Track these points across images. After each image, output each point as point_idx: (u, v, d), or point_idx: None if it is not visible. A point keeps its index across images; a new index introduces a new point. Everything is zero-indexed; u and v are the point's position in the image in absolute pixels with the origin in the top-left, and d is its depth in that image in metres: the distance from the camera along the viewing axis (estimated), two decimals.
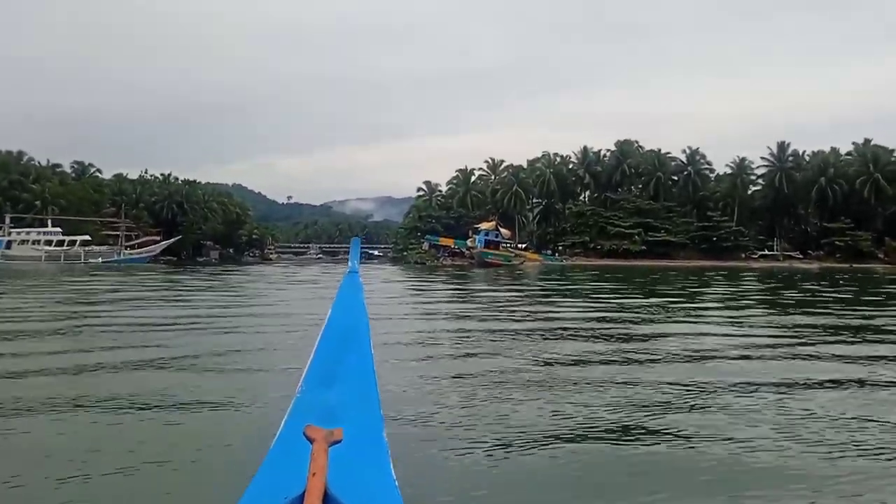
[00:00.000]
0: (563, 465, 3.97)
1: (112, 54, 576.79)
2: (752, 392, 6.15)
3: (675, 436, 4.60)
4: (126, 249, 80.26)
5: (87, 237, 78.25)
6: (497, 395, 5.90)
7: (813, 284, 33.31)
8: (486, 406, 5.47)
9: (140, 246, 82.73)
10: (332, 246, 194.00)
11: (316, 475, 1.42)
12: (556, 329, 11.84)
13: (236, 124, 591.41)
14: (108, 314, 14.13)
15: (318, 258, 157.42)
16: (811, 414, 5.31)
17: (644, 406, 5.49)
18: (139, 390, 5.92)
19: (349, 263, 3.08)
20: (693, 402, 5.68)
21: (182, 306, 16.17)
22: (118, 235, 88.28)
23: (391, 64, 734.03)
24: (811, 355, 8.66)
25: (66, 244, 75.44)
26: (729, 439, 4.52)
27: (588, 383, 6.49)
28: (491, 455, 4.09)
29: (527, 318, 14.48)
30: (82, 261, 70.56)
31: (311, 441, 1.52)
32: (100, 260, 70.59)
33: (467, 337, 10.68)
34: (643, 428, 4.83)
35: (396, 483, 1.72)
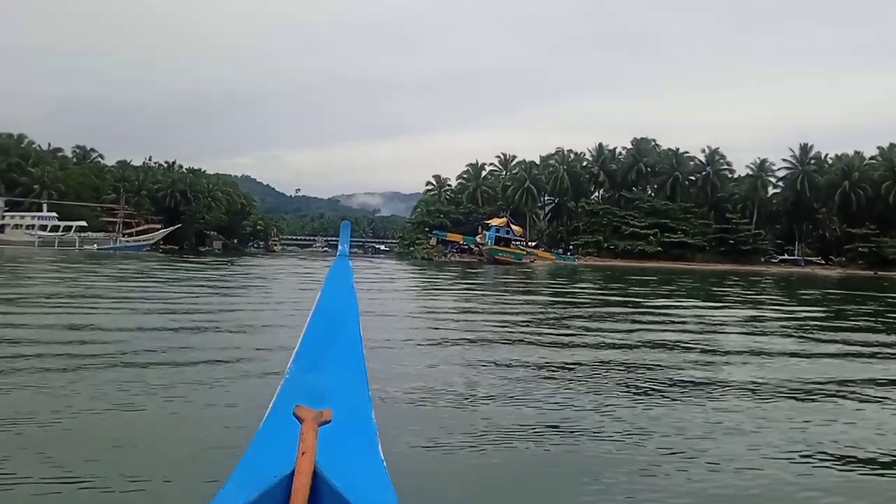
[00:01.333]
0: None
1: (125, 46, 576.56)
2: None
3: None
4: (123, 237, 77.61)
5: (84, 223, 75.69)
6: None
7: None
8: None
9: (139, 234, 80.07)
10: (338, 239, 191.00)
11: (305, 454, 1.43)
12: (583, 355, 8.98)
13: (247, 118, 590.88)
14: None
15: (325, 251, 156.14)
16: None
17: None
18: None
19: (339, 247, 2.93)
20: None
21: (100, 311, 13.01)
22: (121, 222, 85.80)
23: (402, 63, 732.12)
24: None
25: (61, 230, 72.97)
26: None
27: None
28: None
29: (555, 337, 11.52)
30: (77, 247, 68.07)
31: (300, 421, 1.52)
32: (95, 247, 67.98)
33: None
34: None
35: (385, 464, 1.71)
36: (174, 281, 22.24)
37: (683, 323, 13.08)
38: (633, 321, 13.22)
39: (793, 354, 9.12)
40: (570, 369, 7.33)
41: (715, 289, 30.20)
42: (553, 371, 7.22)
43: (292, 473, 1.42)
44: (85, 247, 68.00)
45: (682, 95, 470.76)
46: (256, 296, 17.54)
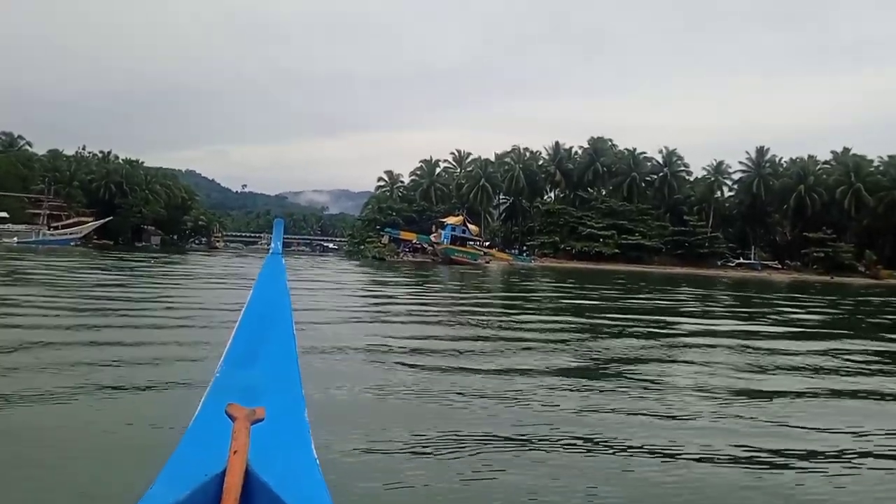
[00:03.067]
0: None
1: (70, 34, 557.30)
2: None
3: None
4: (48, 230, 71.64)
5: (5, 214, 69.53)
6: None
7: None
8: None
9: (66, 227, 74.12)
10: (285, 236, 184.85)
11: (237, 453, 1.42)
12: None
13: (192, 111, 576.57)
14: None
15: (270, 248, 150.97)
16: None
17: None
18: None
19: (272, 245, 2.84)
20: None
21: None
22: (48, 214, 79.64)
23: (354, 59, 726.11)
24: None
25: None
26: None
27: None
28: None
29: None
30: None
31: (232, 419, 1.51)
32: (14, 240, 62.22)
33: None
34: None
35: (318, 462, 1.69)
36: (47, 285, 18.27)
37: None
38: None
39: None
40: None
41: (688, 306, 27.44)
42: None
43: (224, 472, 1.40)
44: (3, 240, 62.22)
45: (638, 96, 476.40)
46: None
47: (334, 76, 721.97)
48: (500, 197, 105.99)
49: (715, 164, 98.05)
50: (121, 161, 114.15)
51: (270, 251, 2.81)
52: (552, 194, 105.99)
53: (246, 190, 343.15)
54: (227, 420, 1.50)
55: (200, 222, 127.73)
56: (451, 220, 79.06)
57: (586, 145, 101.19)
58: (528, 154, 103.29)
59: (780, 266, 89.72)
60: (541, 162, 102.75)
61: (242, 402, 1.57)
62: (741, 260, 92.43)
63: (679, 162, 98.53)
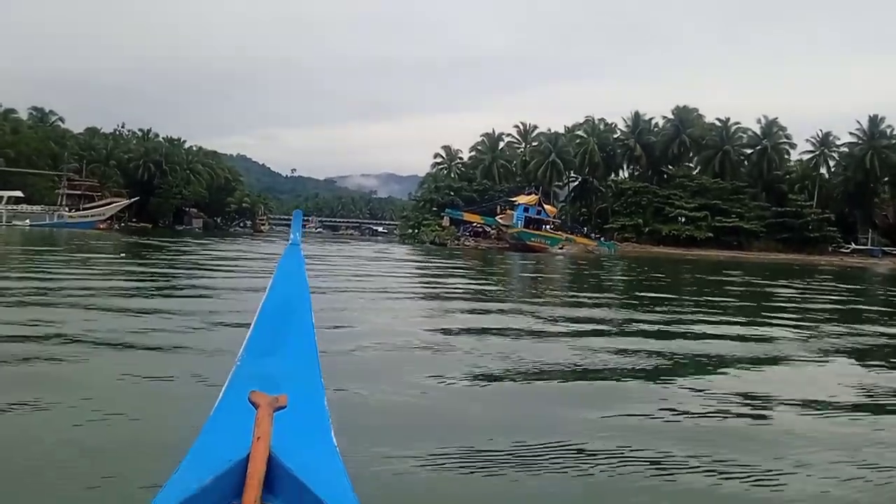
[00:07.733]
0: None
1: (117, 23, 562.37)
2: None
3: None
4: (67, 211, 63.67)
5: (19, 193, 61.80)
6: None
7: None
8: None
9: (88, 209, 66.04)
10: (333, 220, 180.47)
11: (261, 439, 1.44)
12: None
13: (242, 97, 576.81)
14: None
15: (318, 231, 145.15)
16: None
17: None
18: None
19: (291, 236, 2.83)
20: None
21: None
22: (79, 195, 72.23)
23: (398, 44, 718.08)
24: None
25: None
26: None
27: None
28: None
29: None
30: (3, 223, 54.45)
31: (255, 406, 1.53)
32: (27, 223, 54.34)
33: None
34: None
35: (338, 449, 1.74)
36: None
37: None
38: None
39: None
40: None
41: None
42: None
43: (247, 458, 1.43)
44: (15, 223, 54.45)
45: (708, 82, 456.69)
46: None
47: (383, 60, 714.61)
48: (569, 174, 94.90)
49: (820, 135, 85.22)
50: (161, 139, 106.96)
51: (290, 241, 2.73)
52: (627, 171, 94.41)
53: (295, 174, 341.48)
54: (248, 407, 1.51)
55: (245, 204, 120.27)
56: (523, 199, 68.26)
57: (670, 115, 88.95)
58: (602, 125, 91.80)
59: None
60: (617, 135, 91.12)
61: (263, 390, 1.56)
62: (854, 246, 79.99)
63: (781, 133, 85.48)
